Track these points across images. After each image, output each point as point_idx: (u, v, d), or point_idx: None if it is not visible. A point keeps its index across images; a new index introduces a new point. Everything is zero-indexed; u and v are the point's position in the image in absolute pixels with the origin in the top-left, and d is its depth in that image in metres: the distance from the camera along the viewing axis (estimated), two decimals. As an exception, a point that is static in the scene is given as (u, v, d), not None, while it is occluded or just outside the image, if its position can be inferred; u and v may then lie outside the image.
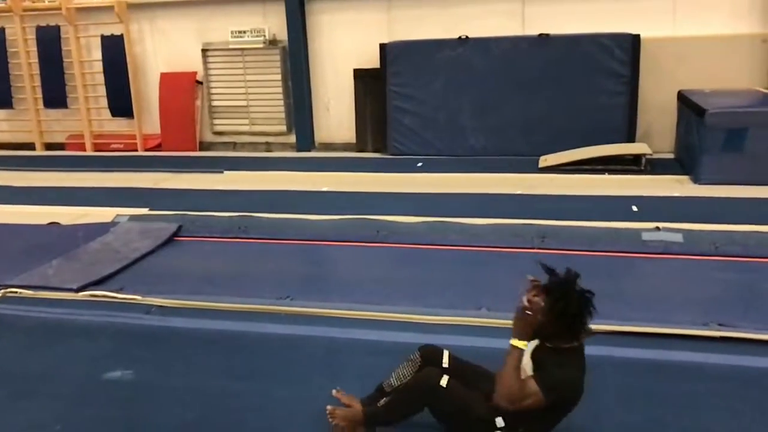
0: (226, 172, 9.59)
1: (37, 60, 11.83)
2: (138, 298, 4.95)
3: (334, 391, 3.29)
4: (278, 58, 10.97)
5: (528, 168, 8.94)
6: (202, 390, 3.75)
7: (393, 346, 3.99)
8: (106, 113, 11.87)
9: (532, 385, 2.68)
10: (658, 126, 9.61)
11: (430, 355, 3.15)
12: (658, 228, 5.94)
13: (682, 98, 8.90)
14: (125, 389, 3.80)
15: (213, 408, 3.57)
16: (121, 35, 11.27)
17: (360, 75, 10.62)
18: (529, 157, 9.28)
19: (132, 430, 3.43)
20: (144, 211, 7.32)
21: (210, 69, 11.37)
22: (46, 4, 11.56)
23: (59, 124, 12.21)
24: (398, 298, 4.83)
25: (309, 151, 11.13)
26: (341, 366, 3.94)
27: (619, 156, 8.78)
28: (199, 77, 11.42)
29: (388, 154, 10.44)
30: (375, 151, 10.76)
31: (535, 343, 2.81)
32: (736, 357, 3.87)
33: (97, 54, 11.58)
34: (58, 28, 11.60)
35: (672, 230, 5.88)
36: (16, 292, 5.17)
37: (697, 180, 7.87)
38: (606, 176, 8.43)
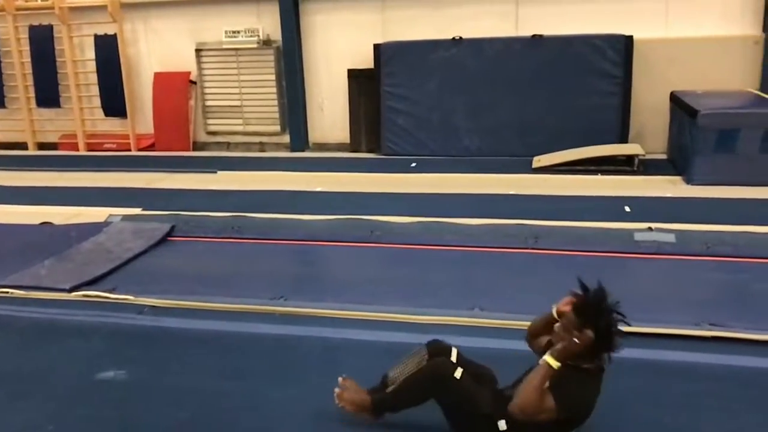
0: (219, 172, 9.58)
1: (29, 59, 11.79)
2: (131, 298, 4.95)
3: (340, 379, 3.26)
4: (272, 58, 10.97)
5: (521, 168, 8.96)
6: (195, 390, 3.75)
7: (386, 345, 4.00)
8: (100, 113, 11.84)
9: (550, 402, 2.70)
10: (650, 127, 9.66)
11: (438, 351, 3.15)
12: (650, 228, 5.97)
13: (675, 99, 8.94)
14: (118, 389, 3.79)
15: (206, 408, 3.57)
16: (115, 35, 11.24)
17: (354, 75, 10.62)
18: (522, 158, 9.31)
19: (125, 430, 3.42)
20: (137, 211, 7.31)
21: (204, 69, 11.35)
22: (39, 3, 11.53)
23: (52, 124, 12.17)
24: (392, 298, 4.84)
25: (303, 151, 11.12)
26: (335, 366, 3.93)
27: (611, 157, 8.82)
28: (192, 77, 11.40)
29: (382, 155, 10.45)
30: (369, 151, 10.76)
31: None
32: (728, 357, 3.89)
33: (91, 53, 11.55)
34: (51, 27, 11.56)
35: (664, 230, 5.91)
36: (8, 293, 5.15)
37: (689, 180, 7.91)
38: (599, 177, 8.46)
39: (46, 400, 3.69)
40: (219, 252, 6.21)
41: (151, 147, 11.67)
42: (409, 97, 10.22)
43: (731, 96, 8.89)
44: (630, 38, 9.34)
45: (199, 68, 11.33)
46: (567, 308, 2.85)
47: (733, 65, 9.33)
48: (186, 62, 11.31)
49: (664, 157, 9.35)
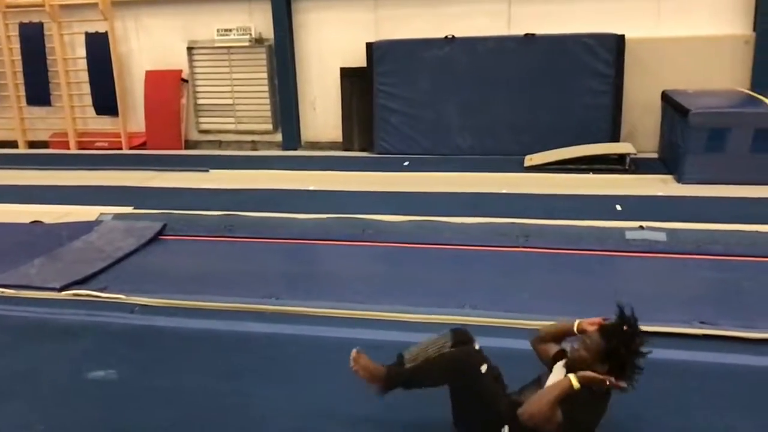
0: (211, 170, 9.55)
1: (20, 57, 11.72)
2: (122, 297, 4.93)
3: (354, 351, 3.19)
4: (264, 56, 10.95)
5: (513, 167, 8.98)
6: (186, 389, 3.74)
7: (378, 344, 3.97)
8: (91, 111, 11.79)
9: (558, 416, 2.73)
10: (642, 126, 9.70)
11: (462, 339, 3.13)
12: (641, 227, 6.00)
13: (666, 98, 8.97)
14: (109, 389, 3.78)
15: (197, 407, 3.56)
16: (106, 33, 11.18)
17: (347, 74, 10.61)
18: (514, 157, 9.33)
19: (116, 430, 3.41)
20: (128, 209, 7.28)
21: (195, 67, 11.32)
22: (30, 0, 11.43)
23: (43, 122, 12.10)
24: (383, 296, 4.84)
25: (295, 149, 11.10)
26: (326, 365, 3.94)
27: (603, 155, 8.84)
28: (184, 75, 11.35)
29: (374, 153, 10.45)
30: (361, 149, 10.76)
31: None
32: (718, 354, 3.92)
33: (81, 51, 11.49)
34: (41, 25, 11.50)
35: (655, 229, 5.94)
36: (-2, 292, 5.12)
37: (680, 179, 7.95)
38: (590, 176, 8.49)
39: (36, 400, 3.68)
40: (211, 251, 6.20)
41: (142, 145, 11.62)
42: (402, 96, 10.22)
43: (722, 95, 8.93)
44: (622, 37, 9.37)
45: (191, 66, 11.30)
46: (592, 329, 2.90)
47: (723, 64, 9.37)
48: (178, 60, 11.27)
49: (655, 155, 9.39)
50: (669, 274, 5.34)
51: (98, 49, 11.27)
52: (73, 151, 11.72)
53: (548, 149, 9.16)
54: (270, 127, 11.27)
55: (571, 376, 2.76)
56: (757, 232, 5.85)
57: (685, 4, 9.46)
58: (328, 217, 6.63)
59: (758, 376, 3.71)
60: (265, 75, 11.02)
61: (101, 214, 7.06)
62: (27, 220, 7.08)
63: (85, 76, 11.55)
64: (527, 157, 9.21)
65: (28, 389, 3.80)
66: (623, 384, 2.75)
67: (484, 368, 2.90)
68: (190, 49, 11.19)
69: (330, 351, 4.11)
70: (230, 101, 11.34)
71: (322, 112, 11.04)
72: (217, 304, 4.77)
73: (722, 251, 5.55)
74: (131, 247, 6.03)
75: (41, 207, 7.56)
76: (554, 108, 9.66)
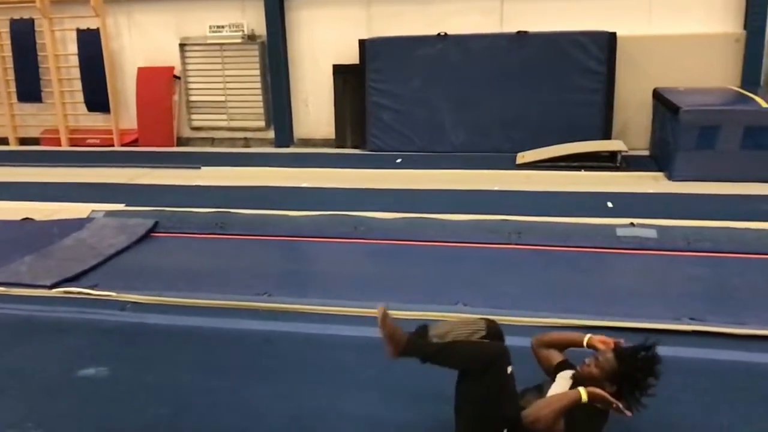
0: (203, 167, 9.52)
1: (10, 53, 11.65)
2: (113, 294, 4.91)
3: (382, 307, 3.05)
4: (257, 53, 10.92)
5: (505, 165, 9.00)
6: (178, 387, 3.74)
7: (370, 341, 3.99)
8: (82, 108, 11.73)
9: (560, 425, 2.76)
10: (633, 123, 9.73)
11: (496, 334, 3.12)
12: (632, 224, 6.03)
13: (658, 96, 9.01)
14: (100, 386, 3.77)
15: (189, 405, 3.56)
16: (97, 29, 11.13)
17: (339, 71, 10.60)
18: (506, 154, 9.35)
19: (107, 428, 3.40)
20: (120, 206, 7.25)
21: (188, 64, 11.28)
22: (20, -4, 11.38)
23: (34, 119, 12.04)
24: (376, 293, 4.82)
25: (287, 146, 11.09)
26: (319, 362, 3.95)
27: (595, 153, 8.87)
28: (176, 72, 11.32)
29: (367, 150, 10.45)
30: (354, 147, 10.76)
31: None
32: (708, 351, 3.94)
33: (73, 48, 11.44)
34: (32, 21, 11.43)
35: (646, 226, 5.96)
36: (-11, 289, 5.10)
37: (671, 176, 7.98)
38: (582, 173, 8.52)
39: (26, 397, 3.67)
40: (203, 248, 6.19)
41: (134, 142, 11.58)
42: (395, 93, 10.22)
43: (713, 93, 8.97)
44: (613, 35, 9.40)
45: (183, 63, 11.26)
46: (603, 347, 2.96)
47: (714, 62, 9.42)
48: (170, 57, 11.23)
49: (646, 153, 9.42)
50: (659, 271, 5.37)
51: (90, 45, 11.21)
52: (65, 147, 11.67)
53: (540, 146, 9.18)
54: (262, 124, 11.25)
55: (582, 389, 2.79)
56: (747, 229, 5.87)
57: (677, 2, 9.49)
58: (320, 215, 6.63)
59: (747, 373, 3.73)
60: (257, 72, 11.00)
61: (93, 211, 7.03)
62: (18, 217, 7.05)
63: (76, 72, 11.50)
64: (519, 155, 9.23)
65: (18, 387, 3.79)
66: (628, 412, 2.78)
67: (509, 369, 2.90)
68: (182, 45, 11.15)
69: (322, 348, 4.12)
70: (222, 98, 11.31)
71: (315, 110, 11.03)
72: (209, 302, 4.76)
73: (712, 248, 5.58)
74: (123, 245, 6.02)
75: (32, 204, 7.52)
76: (546, 105, 9.68)
